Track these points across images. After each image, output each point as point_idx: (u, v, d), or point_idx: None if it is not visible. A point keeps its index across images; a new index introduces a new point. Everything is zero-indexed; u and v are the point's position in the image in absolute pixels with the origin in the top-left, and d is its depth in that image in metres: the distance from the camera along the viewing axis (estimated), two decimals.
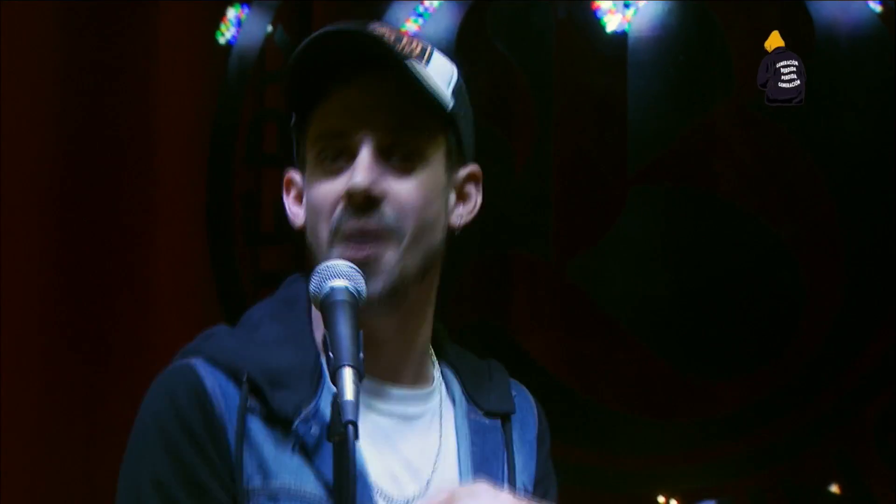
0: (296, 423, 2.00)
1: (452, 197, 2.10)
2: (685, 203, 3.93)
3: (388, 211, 2.02)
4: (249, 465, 2.00)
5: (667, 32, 3.91)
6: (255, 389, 2.01)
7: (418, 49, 2.08)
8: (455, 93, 2.08)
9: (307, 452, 2.00)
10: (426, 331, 2.12)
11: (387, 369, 2.05)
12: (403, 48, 2.06)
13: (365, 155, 2.02)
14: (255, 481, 2.00)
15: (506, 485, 2.08)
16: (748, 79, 3.88)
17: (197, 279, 4.01)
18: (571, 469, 3.81)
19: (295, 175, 2.12)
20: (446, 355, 2.17)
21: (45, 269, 3.97)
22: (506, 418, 2.14)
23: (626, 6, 3.92)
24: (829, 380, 3.84)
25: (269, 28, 4.07)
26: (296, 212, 2.11)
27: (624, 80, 3.91)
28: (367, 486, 2.00)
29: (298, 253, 4.03)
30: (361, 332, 1.92)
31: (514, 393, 2.17)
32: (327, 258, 2.01)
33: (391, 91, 2.03)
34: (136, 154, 4.02)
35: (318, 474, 1.99)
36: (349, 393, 1.84)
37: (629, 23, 3.93)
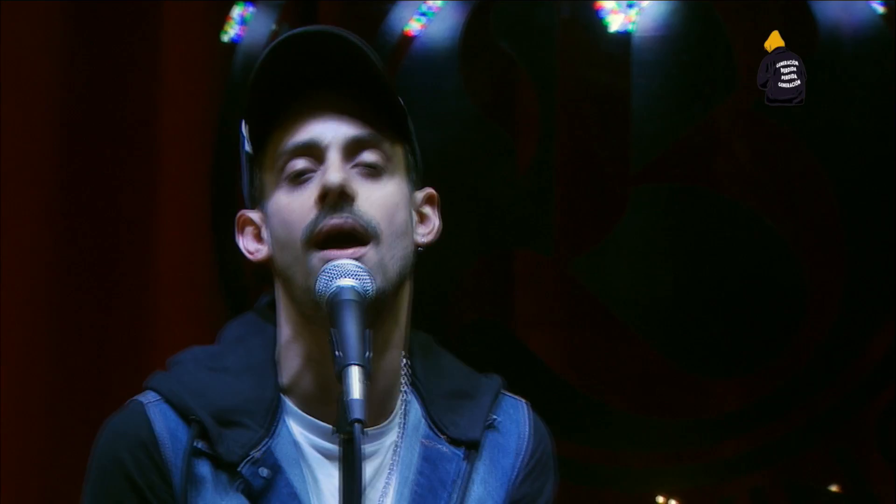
0: (242, 465, 2.01)
1: (414, 216, 2.09)
2: (688, 201, 3.94)
3: (362, 209, 2.01)
4: None
5: (670, 32, 3.92)
6: (203, 433, 2.02)
7: None
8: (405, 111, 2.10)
9: (252, 496, 2.01)
10: (394, 359, 2.08)
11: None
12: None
13: (333, 157, 2.02)
14: None
15: None
16: (751, 79, 3.90)
17: (201, 275, 4.01)
18: (572, 466, 3.82)
19: (250, 214, 2.11)
20: (418, 376, 2.12)
21: (49, 267, 3.97)
22: (472, 445, 2.09)
23: (630, 6, 3.93)
24: (831, 378, 3.85)
25: (274, 26, 4.07)
26: (256, 247, 2.09)
27: (627, 80, 3.91)
28: None
29: None
30: (369, 331, 1.93)
31: (496, 417, 2.11)
32: (306, 264, 2.00)
33: (353, 102, 2.04)
34: (141, 152, 4.02)
35: None
36: (356, 391, 1.85)
37: (632, 23, 3.94)
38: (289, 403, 2.07)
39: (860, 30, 3.87)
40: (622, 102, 3.94)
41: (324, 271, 1.97)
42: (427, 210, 2.12)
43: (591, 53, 3.96)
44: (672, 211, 3.94)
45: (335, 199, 2.00)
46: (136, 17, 4.00)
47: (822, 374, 3.85)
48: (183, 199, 4.02)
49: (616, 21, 3.95)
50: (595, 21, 3.96)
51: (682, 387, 3.86)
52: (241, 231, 2.12)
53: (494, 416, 2.12)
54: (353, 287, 1.96)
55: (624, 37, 3.94)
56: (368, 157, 2.04)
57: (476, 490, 2.08)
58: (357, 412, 1.83)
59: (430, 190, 2.13)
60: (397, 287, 2.03)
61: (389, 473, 2.07)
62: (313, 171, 2.04)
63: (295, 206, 2.03)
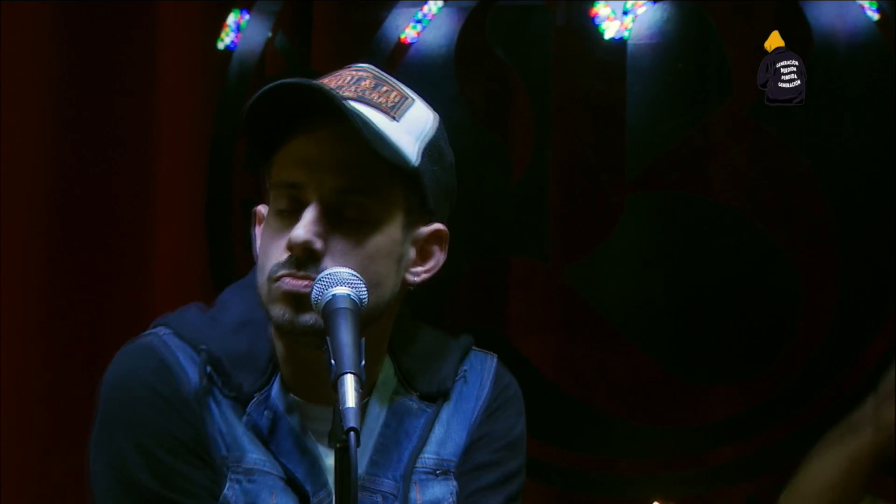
0: (249, 405, 2.07)
1: (411, 253, 2.11)
2: (683, 208, 3.94)
3: (328, 266, 2.03)
4: (218, 437, 2.07)
5: (665, 39, 3.92)
6: (214, 365, 2.07)
7: (393, 100, 2.09)
8: (426, 148, 2.09)
9: (262, 436, 2.06)
10: (373, 368, 2.13)
11: (323, 394, 2.03)
12: (375, 98, 2.08)
13: (311, 209, 2.04)
14: (230, 454, 2.06)
15: (405, 462, 2.10)
16: (745, 85, 3.91)
17: (195, 284, 4.01)
18: (565, 473, 3.82)
19: (263, 211, 2.17)
20: (393, 345, 2.17)
21: (44, 272, 3.97)
22: (441, 396, 2.15)
23: (625, 13, 3.93)
24: (825, 385, 3.85)
25: (270, 33, 4.07)
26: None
27: (623, 87, 3.91)
28: None
29: None
30: (363, 339, 1.94)
31: (465, 367, 2.18)
32: (268, 294, 2.05)
33: (348, 145, 2.03)
34: (136, 159, 4.02)
35: (277, 459, 2.06)
36: (351, 400, 1.86)
37: (628, 29, 3.94)
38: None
39: (854, 36, 3.87)
40: (617, 109, 3.94)
41: (319, 280, 1.99)
42: (433, 247, 2.13)
43: (587, 60, 3.97)
44: (667, 218, 3.94)
45: (299, 254, 2.03)
46: (131, 25, 4.00)
47: (817, 381, 3.85)
48: (178, 204, 4.02)
49: (611, 28, 3.95)
50: (590, 28, 3.96)
51: (676, 394, 3.86)
52: (259, 224, 2.18)
53: (464, 368, 2.18)
54: (348, 295, 1.98)
55: (619, 44, 3.94)
56: (351, 210, 2.05)
57: (438, 431, 2.13)
58: (352, 421, 1.85)
59: (439, 226, 2.12)
60: (363, 328, 2.03)
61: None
62: (300, 210, 2.06)
63: (275, 239, 2.07)
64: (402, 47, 4.01)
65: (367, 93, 2.09)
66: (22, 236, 3.94)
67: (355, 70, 2.13)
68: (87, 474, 2.08)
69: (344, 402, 1.86)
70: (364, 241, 2.05)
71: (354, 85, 2.10)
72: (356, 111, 2.04)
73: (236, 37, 4.08)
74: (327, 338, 1.93)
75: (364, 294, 1.99)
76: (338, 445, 1.87)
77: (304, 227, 2.03)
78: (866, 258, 3.86)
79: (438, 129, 2.13)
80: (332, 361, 1.90)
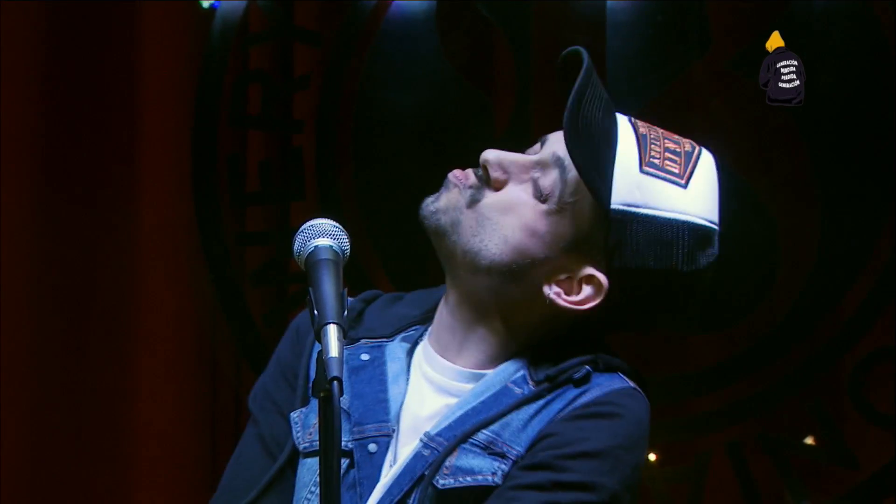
0: (352, 344, 2.15)
1: (563, 270, 2.13)
2: None
3: (490, 198, 2.13)
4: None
5: None
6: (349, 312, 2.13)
7: (668, 166, 2.20)
8: (646, 218, 2.12)
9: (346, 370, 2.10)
10: (494, 350, 2.16)
11: (449, 349, 2.16)
12: (656, 149, 2.19)
13: (530, 157, 2.15)
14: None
15: (464, 428, 2.10)
16: (725, 38, 3.92)
17: (182, 240, 4.02)
18: None
19: None
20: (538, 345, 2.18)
21: (29, 232, 3.98)
22: (547, 382, 2.13)
23: None
24: (805, 333, 3.86)
25: None
26: None
27: (602, 40, 3.92)
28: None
29: (283, 214, 4.05)
30: (346, 289, 1.97)
31: (592, 379, 2.15)
32: None
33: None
34: (121, 118, 4.02)
35: (346, 393, 2.11)
36: (333, 350, 1.88)
37: None
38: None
39: None
40: (597, 63, 3.92)
41: (301, 231, 2.02)
42: (586, 289, 2.15)
43: (567, 14, 3.97)
44: None
45: (482, 169, 2.14)
46: None
47: (797, 329, 3.87)
48: (163, 164, 4.03)
49: None
50: None
51: (657, 342, 3.88)
52: None
53: (590, 374, 2.16)
54: (329, 246, 2.00)
55: None
56: (542, 179, 2.13)
57: (515, 416, 2.11)
58: (335, 370, 1.87)
59: (602, 280, 2.14)
60: (475, 262, 2.12)
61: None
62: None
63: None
64: (385, 3, 4.02)
65: (661, 140, 2.23)
66: (5, 196, 3.95)
67: (691, 144, 2.29)
68: None
69: (327, 352, 1.88)
70: (527, 205, 2.12)
71: (664, 137, 2.25)
72: (588, 124, 2.14)
73: None
74: (309, 289, 1.95)
75: (346, 245, 2.02)
76: (321, 395, 1.88)
77: (500, 154, 2.16)
78: (846, 209, 3.87)
79: (680, 232, 2.17)
80: (315, 312, 1.93)
